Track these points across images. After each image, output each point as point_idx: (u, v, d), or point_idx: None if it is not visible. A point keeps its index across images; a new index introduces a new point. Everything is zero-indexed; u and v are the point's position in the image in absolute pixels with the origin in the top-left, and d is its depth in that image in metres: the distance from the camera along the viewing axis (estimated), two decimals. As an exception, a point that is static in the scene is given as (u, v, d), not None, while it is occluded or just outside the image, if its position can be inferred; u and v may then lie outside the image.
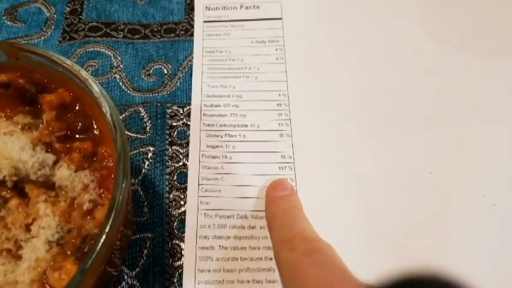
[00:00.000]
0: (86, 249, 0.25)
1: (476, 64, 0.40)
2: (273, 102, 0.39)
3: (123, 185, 0.24)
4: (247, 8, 0.44)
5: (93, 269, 0.23)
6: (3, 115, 0.29)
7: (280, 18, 0.43)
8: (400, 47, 0.41)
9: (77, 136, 0.29)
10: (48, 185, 0.27)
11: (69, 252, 0.25)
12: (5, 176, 0.26)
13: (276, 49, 0.42)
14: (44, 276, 0.25)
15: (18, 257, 0.25)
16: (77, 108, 0.30)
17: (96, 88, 0.27)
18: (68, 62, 0.28)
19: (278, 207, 0.32)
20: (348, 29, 0.43)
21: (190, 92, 0.40)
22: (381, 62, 0.41)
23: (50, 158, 0.27)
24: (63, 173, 0.27)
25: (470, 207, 0.34)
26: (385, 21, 0.43)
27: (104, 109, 0.26)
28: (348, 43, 0.42)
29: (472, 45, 0.41)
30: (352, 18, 0.43)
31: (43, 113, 0.29)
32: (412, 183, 0.35)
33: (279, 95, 0.39)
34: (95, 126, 0.29)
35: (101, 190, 0.27)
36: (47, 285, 0.24)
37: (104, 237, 0.23)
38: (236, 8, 0.44)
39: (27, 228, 0.26)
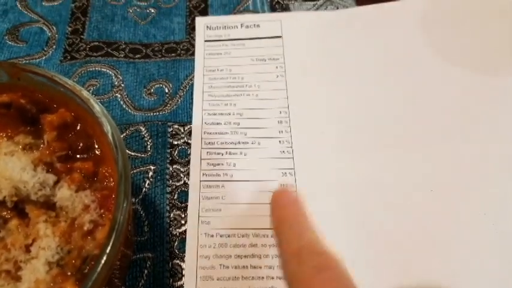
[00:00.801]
0: (86, 270, 0.25)
1: (478, 81, 0.40)
2: (274, 119, 0.39)
3: (124, 205, 0.24)
4: (247, 26, 0.45)
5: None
6: (4, 135, 0.29)
7: (280, 36, 0.44)
8: (401, 63, 0.42)
9: (78, 156, 0.29)
10: (48, 205, 0.27)
11: (69, 273, 0.25)
12: (5, 197, 0.26)
13: (276, 67, 0.42)
14: (44, 298, 0.24)
15: (18, 279, 0.25)
16: (78, 128, 0.30)
17: (97, 108, 0.27)
18: (70, 82, 0.28)
19: (286, 212, 0.32)
20: (348, 45, 0.43)
21: (191, 110, 0.40)
22: (381, 79, 0.41)
23: (51, 178, 0.27)
24: (64, 193, 0.27)
25: (471, 225, 0.34)
26: (386, 37, 0.43)
27: (105, 129, 0.26)
28: (347, 59, 0.42)
29: (473, 63, 0.41)
30: (351, 34, 0.44)
31: (44, 133, 0.29)
32: (412, 201, 0.35)
33: (280, 112, 0.39)
34: (96, 146, 0.29)
35: (102, 210, 0.27)
36: (46, 307, 0.24)
37: (104, 258, 0.22)
38: (237, 27, 0.45)
39: (27, 249, 0.26)
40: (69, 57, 0.42)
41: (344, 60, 0.42)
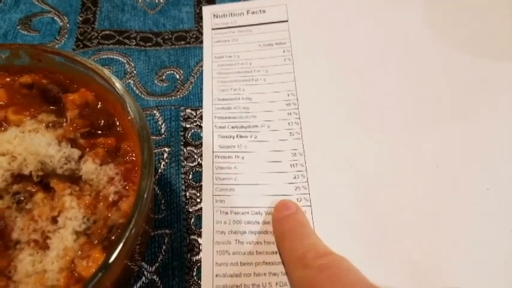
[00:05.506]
0: (113, 238, 0.26)
1: (480, 63, 0.41)
2: (282, 102, 0.40)
3: (149, 174, 0.25)
4: (253, 13, 0.46)
5: (122, 255, 0.23)
6: (27, 114, 0.30)
7: (286, 21, 0.45)
8: (406, 44, 0.43)
9: (100, 132, 0.30)
10: (72, 180, 0.28)
11: (96, 242, 0.26)
12: (31, 172, 0.27)
13: (283, 51, 0.43)
14: (72, 265, 0.25)
15: (46, 247, 0.26)
16: (99, 106, 0.31)
17: (119, 85, 0.28)
18: (91, 61, 0.30)
19: (285, 226, 0.33)
20: (353, 27, 0.44)
21: (202, 95, 0.41)
22: (386, 60, 0.42)
23: (76, 152, 0.28)
24: (89, 167, 0.28)
25: (475, 199, 0.35)
26: (391, 21, 0.44)
27: (127, 103, 0.27)
28: (353, 41, 0.43)
29: (476, 45, 0.42)
30: (357, 18, 0.45)
31: (66, 111, 0.30)
32: (419, 177, 0.36)
33: (288, 94, 0.40)
34: (118, 124, 0.30)
35: (126, 182, 0.28)
36: (75, 273, 0.25)
37: (133, 221, 0.23)
38: (243, 14, 0.46)
39: (54, 220, 0.27)
40: (81, 46, 0.43)
41: (350, 41, 0.43)
